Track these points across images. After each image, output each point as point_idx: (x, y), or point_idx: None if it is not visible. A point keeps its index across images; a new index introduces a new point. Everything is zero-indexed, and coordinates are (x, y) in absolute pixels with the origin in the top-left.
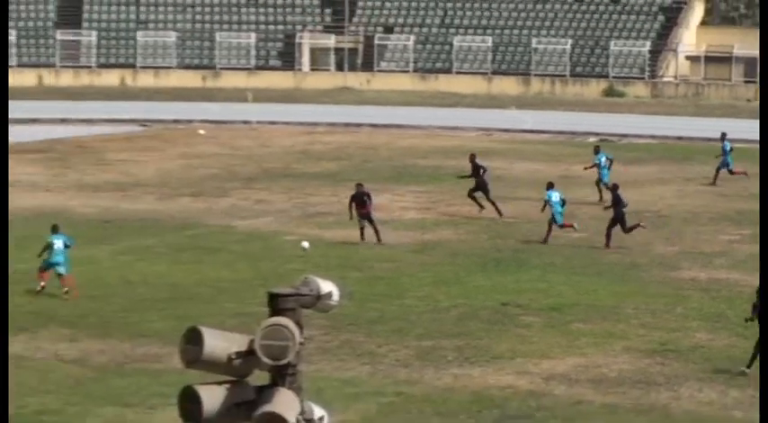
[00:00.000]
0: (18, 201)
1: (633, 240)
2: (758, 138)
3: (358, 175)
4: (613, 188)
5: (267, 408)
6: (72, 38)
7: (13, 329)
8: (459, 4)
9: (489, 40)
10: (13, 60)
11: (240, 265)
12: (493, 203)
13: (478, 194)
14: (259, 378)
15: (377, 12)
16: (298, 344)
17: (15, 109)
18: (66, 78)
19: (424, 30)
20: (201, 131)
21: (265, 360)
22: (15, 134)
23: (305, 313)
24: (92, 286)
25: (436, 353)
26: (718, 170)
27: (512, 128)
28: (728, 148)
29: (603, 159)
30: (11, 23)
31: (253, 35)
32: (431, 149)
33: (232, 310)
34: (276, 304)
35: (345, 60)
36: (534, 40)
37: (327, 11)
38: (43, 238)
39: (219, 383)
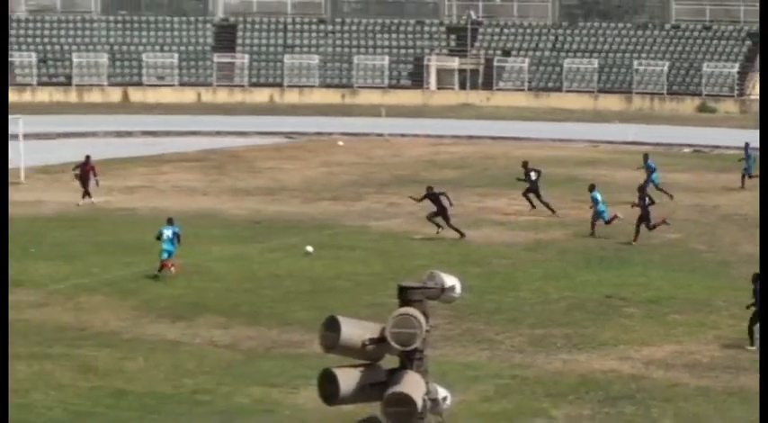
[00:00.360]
0: (179, 204)
1: (723, 241)
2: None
3: (479, 182)
4: (642, 188)
5: (397, 388)
6: (227, 60)
7: (171, 317)
8: (568, 31)
9: (596, 62)
10: (174, 80)
11: (373, 261)
12: (545, 203)
13: (531, 195)
14: (389, 362)
15: (496, 37)
16: (424, 331)
17: (177, 123)
18: (222, 96)
19: (538, 53)
20: (340, 143)
21: (395, 346)
22: (176, 145)
23: (431, 304)
24: (244, 280)
25: (547, 340)
26: (744, 176)
27: (615, 140)
28: (752, 156)
29: (654, 165)
30: (173, 48)
31: (386, 58)
32: (543, 159)
33: (366, 301)
34: (405, 296)
35: (468, 80)
36: (635, 62)
37: (452, 37)
38: (202, 236)
39: (354, 366)
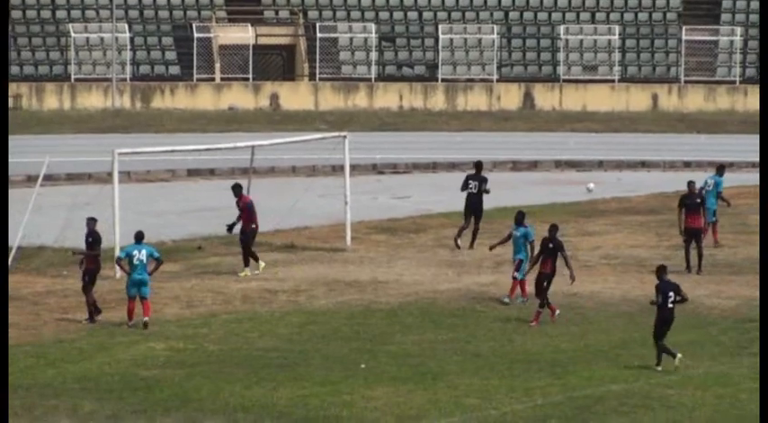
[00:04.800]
0: (621, 287)
1: None
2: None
3: None
4: None
5: None
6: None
7: None
8: None
9: None
10: (613, 73)
11: None
12: None
13: None
14: None
15: None
16: None
17: (606, 143)
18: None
19: None
20: None
21: None
22: (612, 184)
23: None
24: None
25: None
26: None
27: None
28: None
29: None
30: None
31: None
32: None
33: None
34: None
35: None
36: None
37: None
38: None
39: None
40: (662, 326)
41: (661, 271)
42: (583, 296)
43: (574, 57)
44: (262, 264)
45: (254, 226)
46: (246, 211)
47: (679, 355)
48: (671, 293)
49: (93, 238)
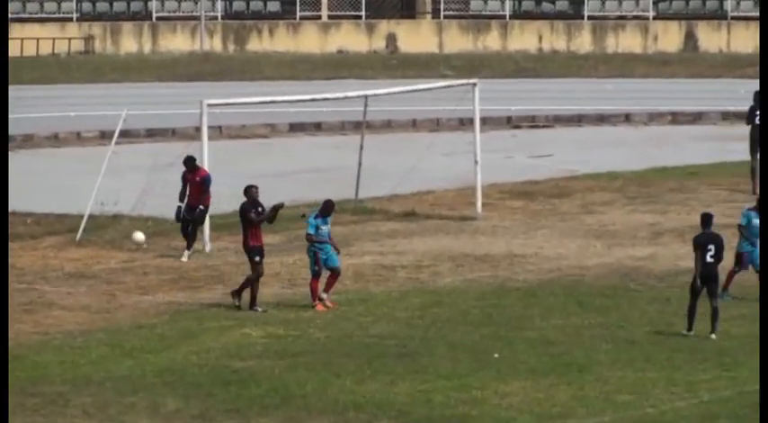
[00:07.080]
0: None
1: None
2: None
3: None
4: None
5: None
6: None
7: None
8: None
9: None
10: None
11: None
12: None
13: None
14: None
15: None
16: None
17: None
18: None
19: None
20: None
21: None
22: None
23: None
24: None
25: None
26: None
27: None
28: None
29: None
30: None
31: None
32: None
33: None
34: None
35: None
36: None
37: None
38: None
39: None
40: (695, 280)
41: (705, 220)
42: (754, 272)
43: None
44: (187, 253)
45: (201, 207)
46: (201, 187)
47: (692, 333)
48: (711, 246)
49: (263, 207)
